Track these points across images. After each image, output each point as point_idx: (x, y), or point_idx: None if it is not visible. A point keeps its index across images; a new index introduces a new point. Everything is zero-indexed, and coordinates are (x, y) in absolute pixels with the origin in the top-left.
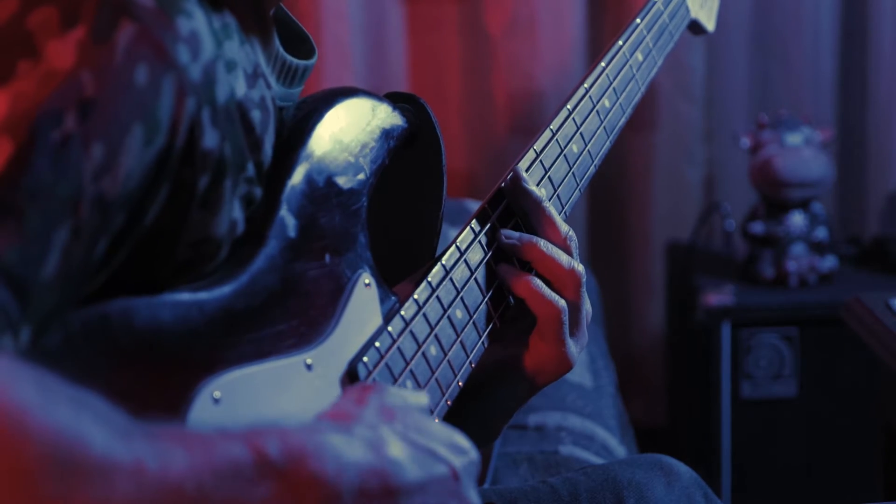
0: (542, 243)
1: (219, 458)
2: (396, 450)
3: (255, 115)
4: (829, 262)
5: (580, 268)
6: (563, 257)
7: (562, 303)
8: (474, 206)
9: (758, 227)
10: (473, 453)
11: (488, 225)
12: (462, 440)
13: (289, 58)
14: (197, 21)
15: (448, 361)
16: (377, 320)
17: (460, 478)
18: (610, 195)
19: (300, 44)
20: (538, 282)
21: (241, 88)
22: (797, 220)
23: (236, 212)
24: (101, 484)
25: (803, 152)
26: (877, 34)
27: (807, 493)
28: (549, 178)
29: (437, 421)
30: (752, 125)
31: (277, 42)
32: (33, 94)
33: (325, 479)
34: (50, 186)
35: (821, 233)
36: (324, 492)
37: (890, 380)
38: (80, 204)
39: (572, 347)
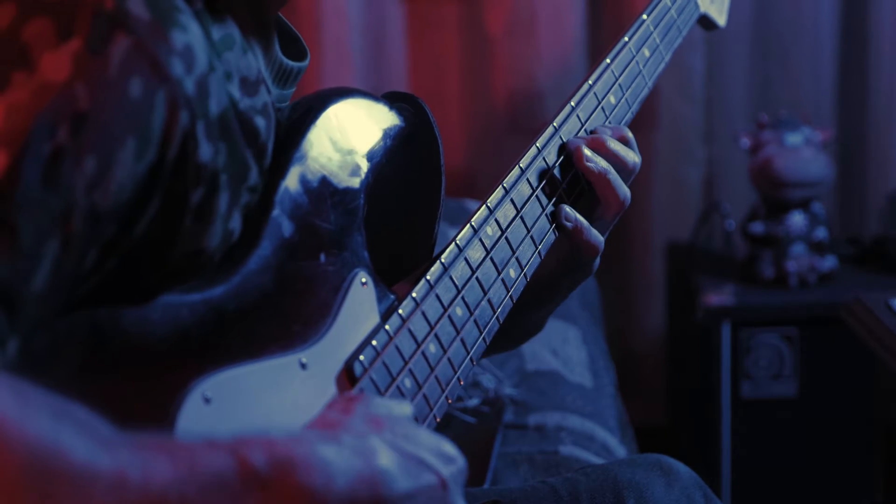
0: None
1: (203, 468)
2: (385, 459)
3: (260, 122)
4: (829, 262)
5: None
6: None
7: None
8: (474, 206)
9: (758, 227)
10: (461, 461)
11: (489, 223)
12: (450, 448)
13: (286, 61)
14: (192, 34)
15: (448, 359)
16: (374, 319)
17: (448, 486)
18: None
19: (290, 44)
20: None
21: (243, 98)
22: (797, 220)
23: (234, 222)
24: (82, 494)
25: (803, 152)
26: (877, 34)
27: (807, 493)
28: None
29: (424, 429)
30: (752, 125)
31: (277, 46)
32: (27, 107)
33: (313, 489)
34: (41, 200)
35: (821, 233)
36: (311, 503)
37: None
38: (72, 217)
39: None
